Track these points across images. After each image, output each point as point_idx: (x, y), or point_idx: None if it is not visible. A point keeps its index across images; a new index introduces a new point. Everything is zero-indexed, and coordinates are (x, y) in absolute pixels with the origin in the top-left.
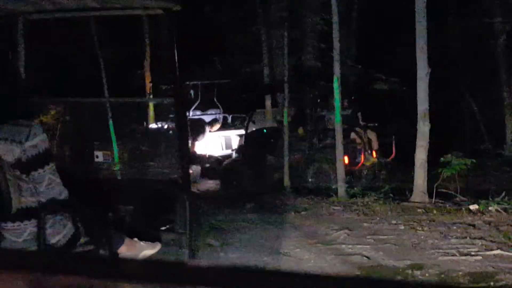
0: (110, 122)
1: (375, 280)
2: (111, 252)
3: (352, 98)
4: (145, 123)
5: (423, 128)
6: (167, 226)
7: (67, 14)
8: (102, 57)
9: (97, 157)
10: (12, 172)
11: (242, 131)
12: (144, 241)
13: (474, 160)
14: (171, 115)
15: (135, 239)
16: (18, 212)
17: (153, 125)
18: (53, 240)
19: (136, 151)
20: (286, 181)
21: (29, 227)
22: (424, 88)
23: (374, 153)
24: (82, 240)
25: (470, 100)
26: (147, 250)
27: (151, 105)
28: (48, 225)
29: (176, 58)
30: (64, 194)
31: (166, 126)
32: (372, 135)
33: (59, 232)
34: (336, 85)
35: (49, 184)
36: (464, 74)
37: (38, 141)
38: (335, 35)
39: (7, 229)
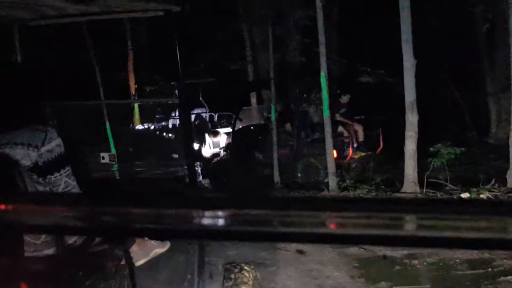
0: (107, 124)
1: None
2: (124, 251)
3: (338, 92)
4: (131, 125)
5: (412, 118)
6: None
7: (68, 19)
8: (95, 61)
9: (103, 158)
10: (29, 176)
11: (229, 129)
12: (154, 240)
13: (463, 149)
14: (158, 116)
15: (146, 238)
16: (39, 230)
17: (139, 127)
18: (70, 241)
19: (125, 153)
20: (276, 177)
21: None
22: (410, 79)
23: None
24: (97, 240)
25: (454, 89)
26: (157, 248)
27: (136, 106)
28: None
29: (179, 58)
30: None
31: (152, 127)
32: (358, 128)
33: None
34: (323, 80)
35: (65, 187)
36: (448, 63)
37: (54, 145)
38: (320, 30)
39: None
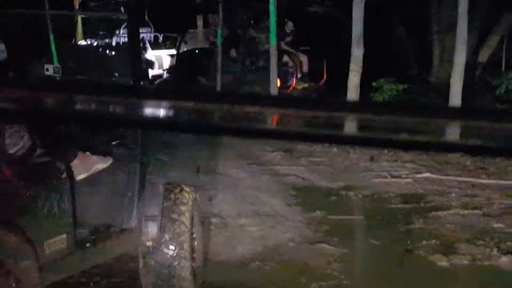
0: (51, 36)
1: None
2: (65, 165)
3: (285, 20)
4: (73, 40)
5: (357, 52)
6: (118, 141)
7: None
8: None
9: (47, 70)
10: None
11: (174, 51)
12: (96, 156)
13: (405, 86)
14: (102, 32)
15: (88, 153)
16: None
17: (82, 42)
18: (11, 151)
19: (68, 67)
20: None
21: None
22: (359, 12)
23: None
24: (39, 151)
25: (400, 26)
26: (99, 164)
27: (79, 20)
28: (7, 135)
29: None
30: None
31: (95, 44)
32: (303, 59)
33: (17, 143)
34: (272, 7)
35: None
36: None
37: None
38: None
39: None
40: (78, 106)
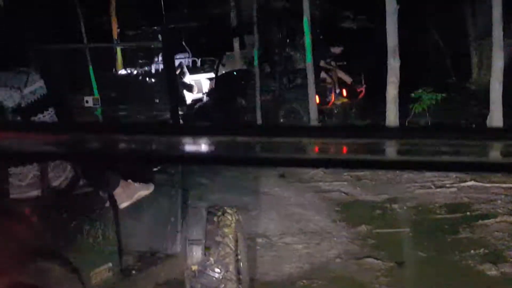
0: (91, 68)
1: None
2: (108, 194)
3: (321, 37)
4: (113, 70)
5: (394, 64)
6: (159, 167)
7: None
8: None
9: (86, 102)
10: (13, 117)
11: (212, 75)
12: (138, 183)
13: (444, 95)
14: (141, 61)
15: (129, 180)
16: (21, 157)
17: (122, 71)
18: (55, 183)
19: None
20: (259, 122)
21: (32, 171)
22: (393, 24)
23: (344, 91)
24: (81, 182)
25: (435, 35)
26: (141, 191)
27: (119, 51)
28: (50, 168)
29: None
30: None
31: (135, 72)
32: (342, 74)
33: (60, 175)
34: (306, 25)
35: None
36: (430, 8)
37: (37, 87)
38: None
39: (10, 174)
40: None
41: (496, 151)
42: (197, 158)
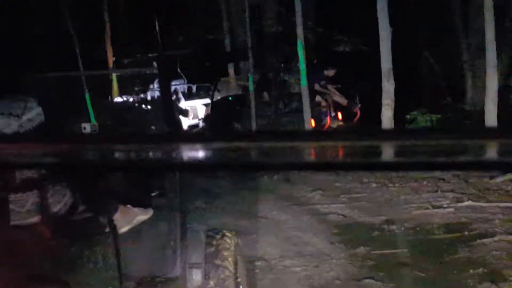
0: (87, 95)
1: None
2: (107, 219)
3: (315, 61)
4: (109, 97)
5: (388, 86)
6: (158, 192)
7: None
8: (73, 33)
9: (84, 128)
10: None
11: (208, 100)
12: (137, 208)
13: (439, 116)
14: (137, 88)
15: (129, 206)
16: (21, 184)
17: (118, 99)
18: (54, 209)
19: (105, 124)
20: None
21: (31, 198)
22: (386, 47)
23: (339, 114)
24: (81, 208)
25: (429, 56)
26: (140, 216)
27: (114, 78)
28: (49, 194)
29: (158, 29)
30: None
31: (131, 99)
32: (337, 96)
33: (59, 201)
34: (300, 49)
35: None
36: (422, 30)
37: (35, 114)
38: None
39: (10, 200)
40: (116, 156)
41: (492, 150)
42: (195, 165)
